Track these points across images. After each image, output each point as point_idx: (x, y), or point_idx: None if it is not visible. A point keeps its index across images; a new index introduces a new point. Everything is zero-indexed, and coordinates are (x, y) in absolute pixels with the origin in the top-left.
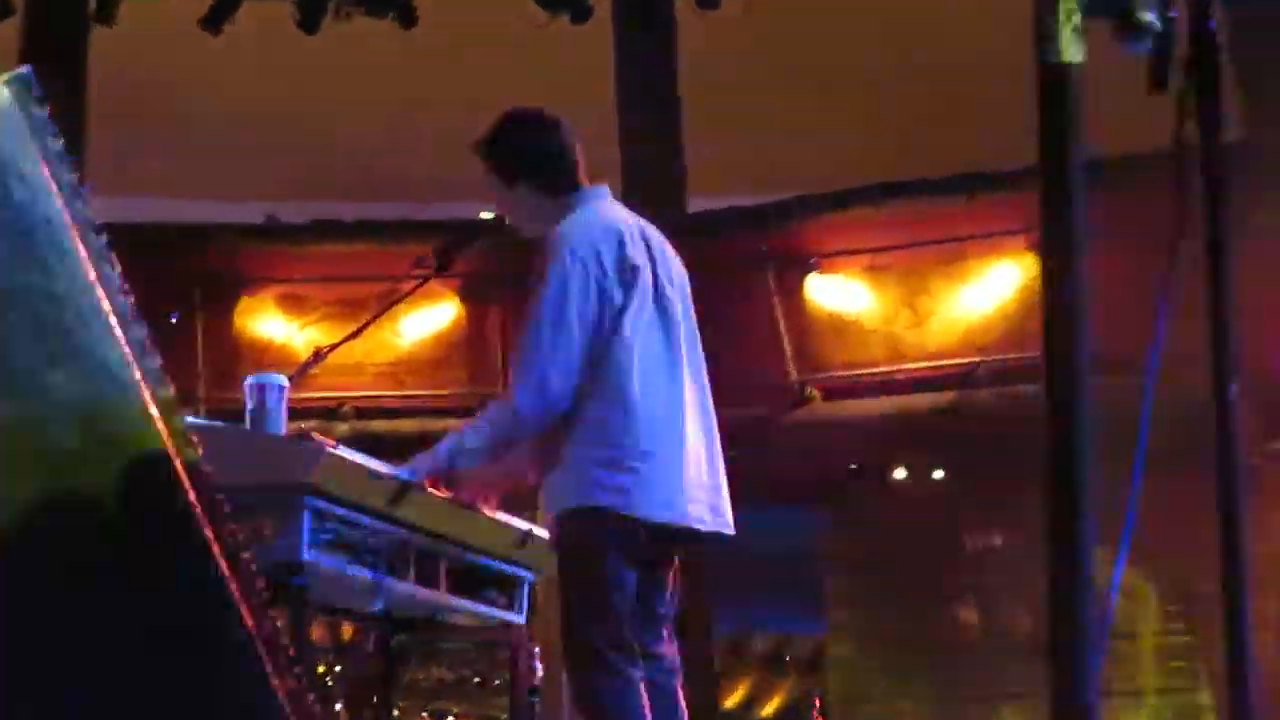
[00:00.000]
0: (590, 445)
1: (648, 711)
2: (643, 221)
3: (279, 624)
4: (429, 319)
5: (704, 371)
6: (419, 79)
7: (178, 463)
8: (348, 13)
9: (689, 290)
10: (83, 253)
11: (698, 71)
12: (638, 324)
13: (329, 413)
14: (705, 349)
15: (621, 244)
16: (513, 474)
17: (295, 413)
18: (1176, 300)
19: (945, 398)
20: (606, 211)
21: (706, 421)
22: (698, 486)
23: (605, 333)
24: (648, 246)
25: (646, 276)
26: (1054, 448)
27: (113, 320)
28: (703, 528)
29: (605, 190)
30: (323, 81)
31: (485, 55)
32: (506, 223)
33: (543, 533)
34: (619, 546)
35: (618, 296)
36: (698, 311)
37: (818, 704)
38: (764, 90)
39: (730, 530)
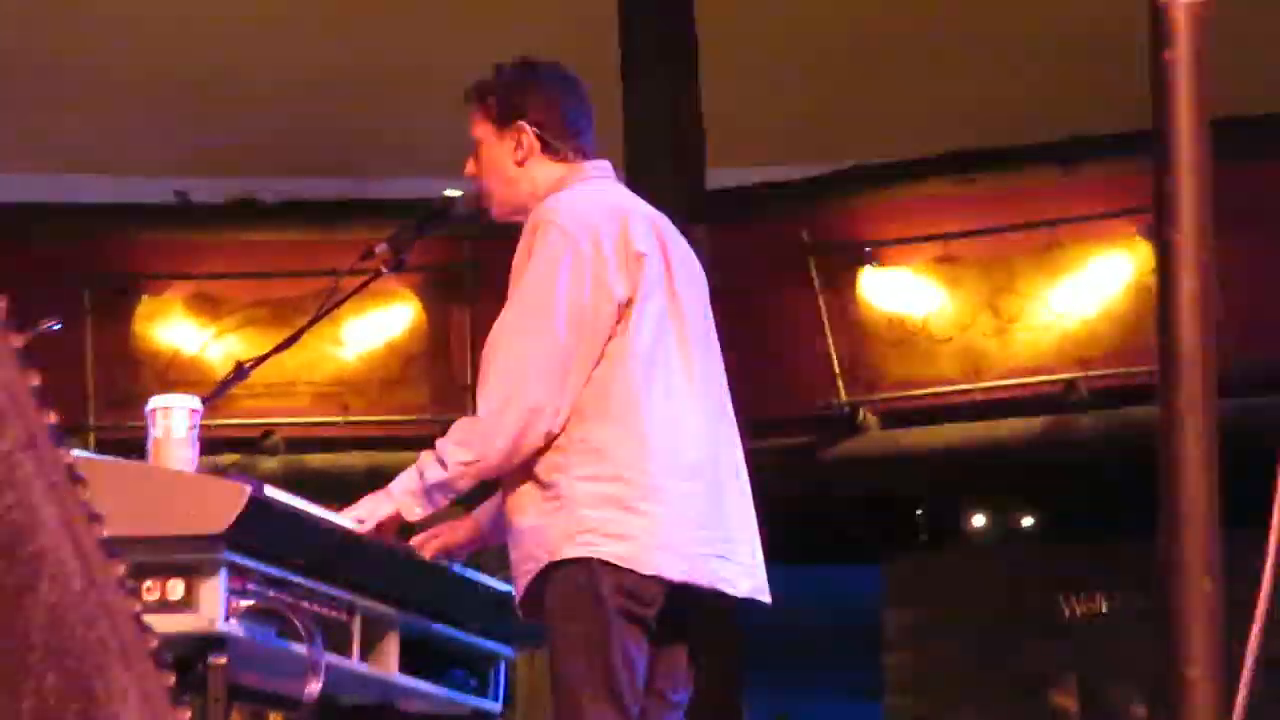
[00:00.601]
0: (585, 479)
1: None
2: (650, 209)
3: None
4: (379, 325)
5: (726, 390)
6: (363, 26)
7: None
8: None
9: (707, 290)
10: None
11: (720, 9)
12: (644, 324)
13: (254, 444)
14: (728, 363)
15: (625, 226)
16: (488, 520)
17: (211, 444)
18: None
19: (1036, 425)
20: (608, 190)
21: (732, 453)
22: (725, 537)
23: (603, 333)
24: (657, 234)
25: (656, 267)
26: (1172, 487)
27: None
28: (733, 591)
29: (608, 165)
30: (242, 30)
31: None
32: (480, 200)
33: None
34: (624, 613)
35: (620, 289)
36: (718, 317)
37: None
38: (804, 33)
39: (766, 596)
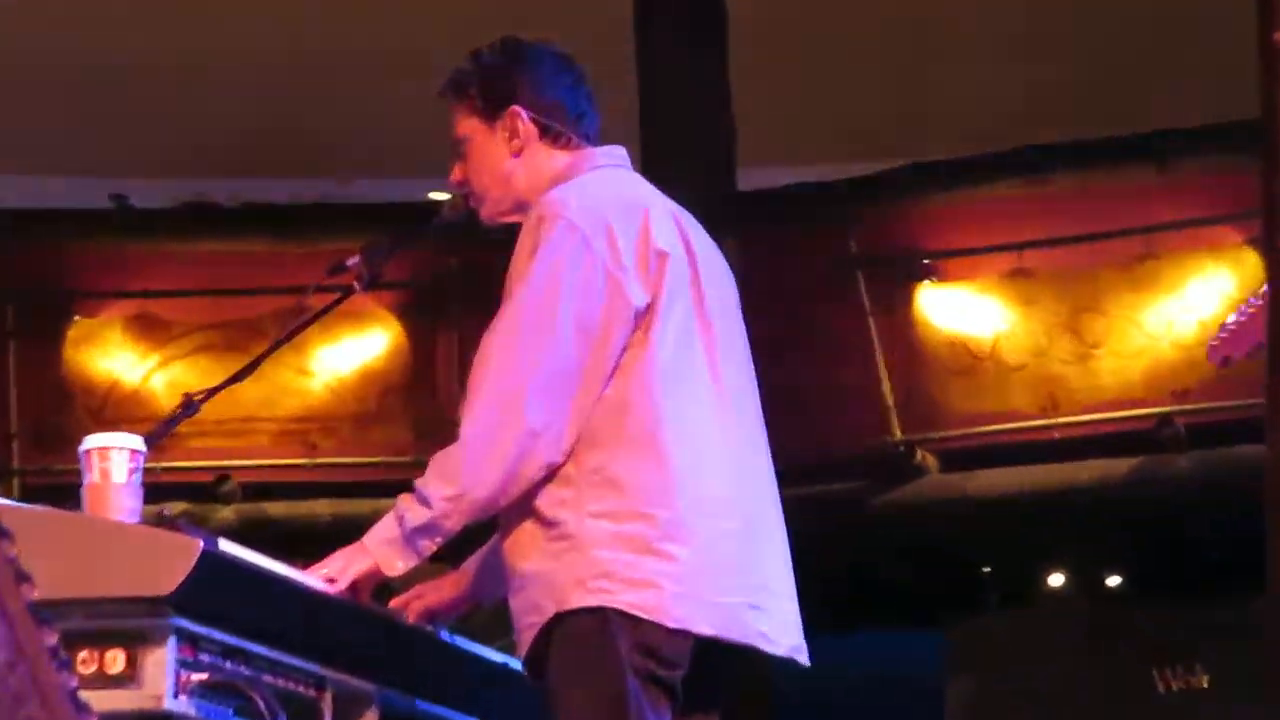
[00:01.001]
0: (598, 516)
1: None
2: (671, 203)
3: None
4: (352, 352)
5: (760, 414)
6: (343, 5)
7: None
8: None
9: (738, 298)
10: None
11: None
12: (666, 334)
13: (206, 490)
14: (764, 394)
15: (645, 220)
16: (479, 573)
17: (156, 490)
18: None
19: (1123, 467)
20: (624, 180)
21: (768, 487)
22: (762, 584)
23: (616, 345)
24: (680, 231)
25: (680, 268)
26: None
27: None
28: (770, 649)
29: (622, 152)
30: (193, 3)
31: None
32: (468, 203)
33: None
34: (645, 675)
35: (636, 292)
36: (750, 341)
37: None
38: (849, 10)
39: (806, 657)
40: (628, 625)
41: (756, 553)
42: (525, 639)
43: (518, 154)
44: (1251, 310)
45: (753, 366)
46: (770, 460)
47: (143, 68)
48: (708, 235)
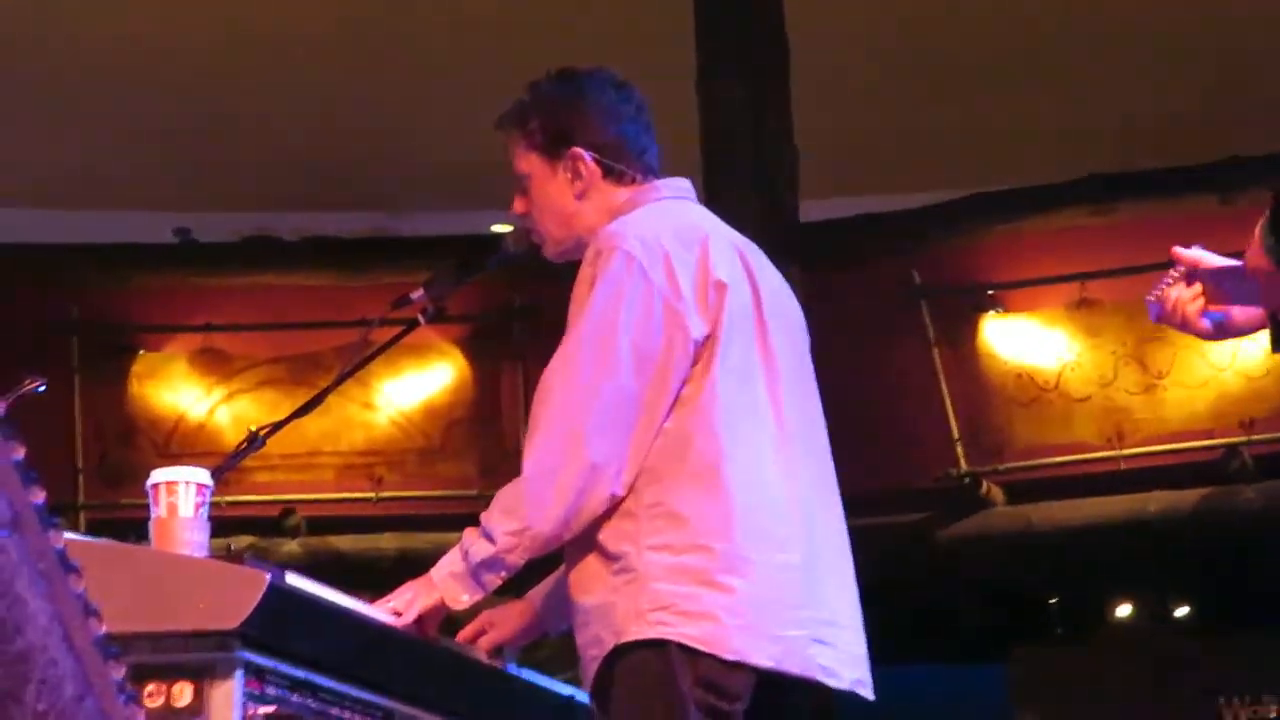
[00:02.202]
0: (658, 549)
1: None
2: (736, 234)
3: None
4: (417, 386)
5: (827, 445)
6: (396, 32)
7: None
8: None
9: (805, 329)
10: None
11: (816, 14)
12: (728, 366)
13: (272, 524)
14: (829, 425)
15: (705, 250)
16: (545, 605)
17: (222, 524)
18: None
19: (1192, 498)
20: (683, 210)
21: (833, 519)
22: (825, 618)
23: (676, 377)
24: (743, 262)
25: (741, 299)
26: None
27: None
28: (832, 682)
29: (686, 184)
30: (255, 39)
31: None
32: (531, 236)
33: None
34: (707, 710)
35: (695, 323)
36: (816, 372)
37: None
38: (914, 37)
39: (870, 691)
40: (687, 659)
41: (819, 586)
42: (589, 672)
43: (581, 195)
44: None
45: (819, 399)
46: (838, 495)
47: (206, 103)
48: (775, 268)
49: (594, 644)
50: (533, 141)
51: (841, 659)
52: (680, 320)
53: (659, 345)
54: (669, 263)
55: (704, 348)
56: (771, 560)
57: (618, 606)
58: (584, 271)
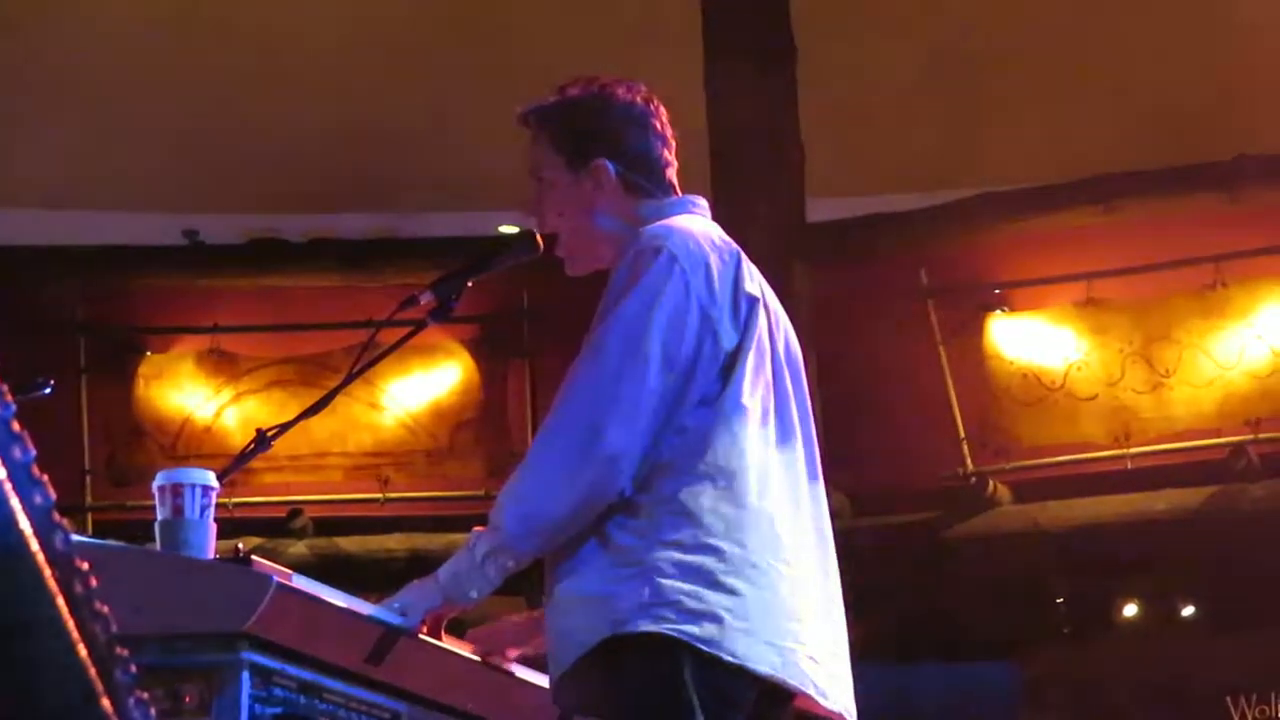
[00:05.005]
0: (669, 546)
1: None
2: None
3: None
4: (424, 386)
5: (821, 480)
6: (405, 34)
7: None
8: None
9: (802, 364)
10: None
11: (823, 13)
12: (748, 377)
13: (279, 525)
14: (837, 425)
15: (739, 264)
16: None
17: (229, 525)
18: None
19: (1199, 496)
20: (711, 228)
21: (827, 544)
22: (819, 637)
23: (701, 381)
24: (760, 283)
25: (764, 316)
26: None
27: None
28: (824, 701)
29: (704, 202)
30: (263, 41)
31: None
32: (541, 234)
33: None
34: (709, 713)
35: (727, 333)
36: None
37: None
38: (920, 37)
39: (853, 718)
40: (694, 662)
41: (815, 606)
42: (568, 657)
43: (601, 206)
44: None
45: (813, 425)
46: (829, 518)
47: (213, 105)
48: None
49: (582, 630)
50: (555, 143)
51: (831, 681)
52: (713, 327)
53: (690, 349)
54: (710, 270)
55: (731, 356)
56: (779, 571)
57: (621, 598)
58: (623, 270)
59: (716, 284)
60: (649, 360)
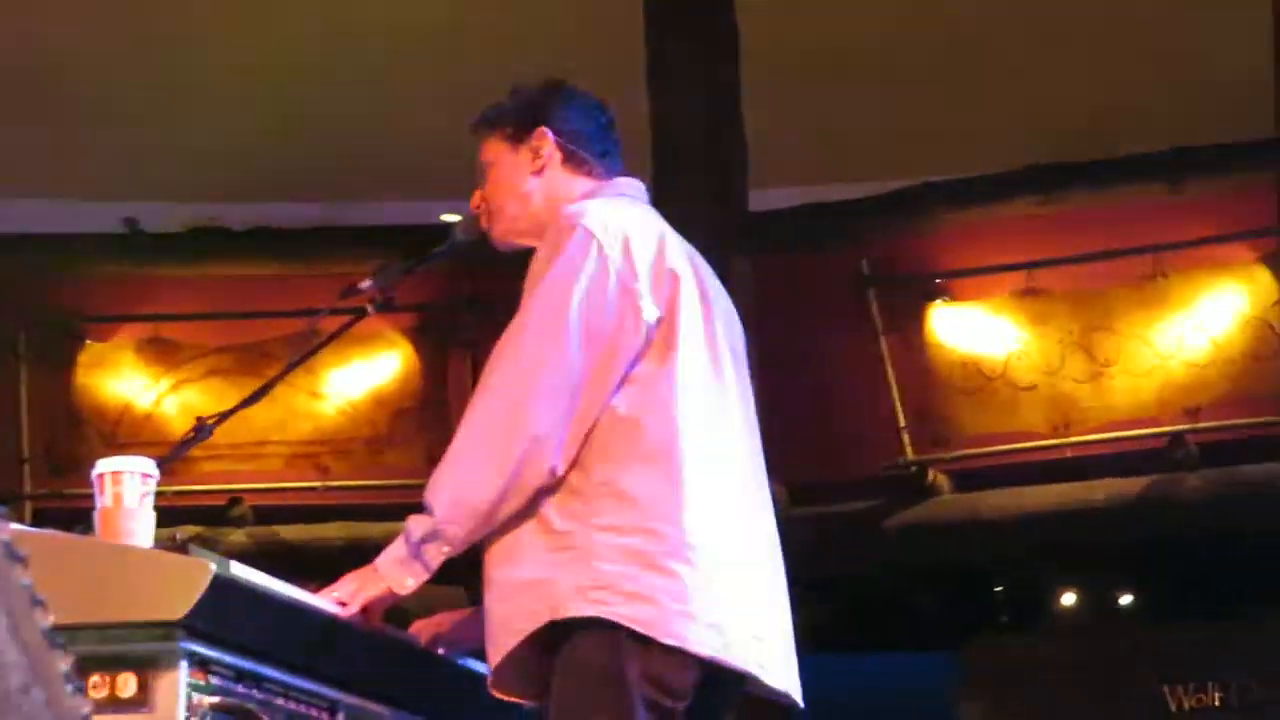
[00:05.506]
0: (605, 529)
1: None
2: (686, 243)
3: None
4: (365, 375)
5: (763, 465)
6: (348, 18)
7: None
8: None
9: (744, 338)
10: None
11: (766, 3)
12: (679, 353)
13: (218, 513)
14: (774, 416)
15: (661, 243)
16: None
17: (168, 514)
18: None
19: (1136, 486)
20: (645, 210)
21: (768, 524)
22: (762, 616)
23: (625, 356)
24: (692, 262)
25: (691, 292)
26: None
27: None
28: (769, 680)
29: (641, 186)
30: (202, 25)
31: None
32: (482, 222)
33: None
34: (652, 706)
35: (649, 306)
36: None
37: None
38: (861, 29)
39: (800, 697)
40: (636, 649)
41: (757, 586)
42: (507, 644)
43: (539, 174)
44: None
45: (754, 410)
46: (769, 498)
47: (151, 88)
48: (717, 278)
49: (520, 616)
50: (503, 134)
51: (775, 659)
52: (634, 300)
53: (611, 323)
54: (628, 245)
55: (656, 331)
56: (717, 552)
57: (558, 582)
58: (543, 249)
59: (636, 257)
60: (569, 336)
